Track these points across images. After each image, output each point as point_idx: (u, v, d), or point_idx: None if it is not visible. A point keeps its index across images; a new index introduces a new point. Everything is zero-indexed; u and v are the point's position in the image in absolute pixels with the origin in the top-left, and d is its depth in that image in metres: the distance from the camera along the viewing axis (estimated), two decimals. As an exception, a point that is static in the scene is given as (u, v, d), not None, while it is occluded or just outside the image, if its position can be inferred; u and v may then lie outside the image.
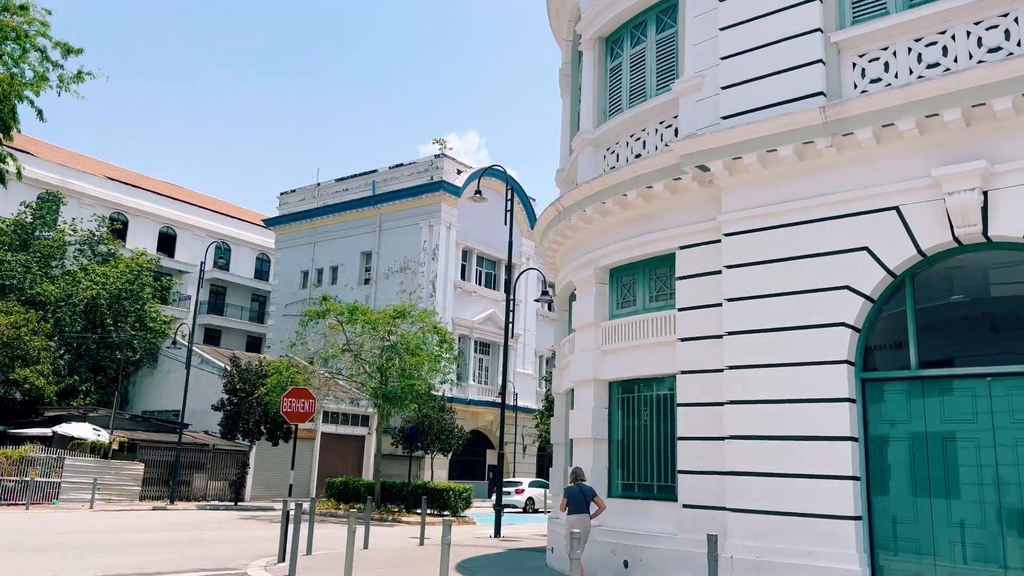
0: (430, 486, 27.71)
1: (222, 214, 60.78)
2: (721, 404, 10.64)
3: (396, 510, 26.32)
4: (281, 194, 55.72)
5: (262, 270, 61.92)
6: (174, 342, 35.42)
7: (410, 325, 27.06)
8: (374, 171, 51.39)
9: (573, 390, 13.61)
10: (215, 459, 33.99)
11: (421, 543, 17.96)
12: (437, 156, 48.14)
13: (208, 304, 57.52)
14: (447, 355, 27.63)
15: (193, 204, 58.78)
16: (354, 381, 28.86)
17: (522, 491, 36.04)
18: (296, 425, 32.78)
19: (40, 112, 23.51)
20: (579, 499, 11.38)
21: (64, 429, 30.01)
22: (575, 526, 10.95)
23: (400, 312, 26.71)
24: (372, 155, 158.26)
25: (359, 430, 41.42)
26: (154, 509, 28.17)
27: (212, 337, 56.06)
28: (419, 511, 26.90)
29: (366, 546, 16.44)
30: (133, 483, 30.41)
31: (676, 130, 12.21)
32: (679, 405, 11.20)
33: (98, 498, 28.20)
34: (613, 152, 13.42)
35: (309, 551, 14.66)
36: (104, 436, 30.13)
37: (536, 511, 34.93)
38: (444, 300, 45.78)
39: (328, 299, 27.65)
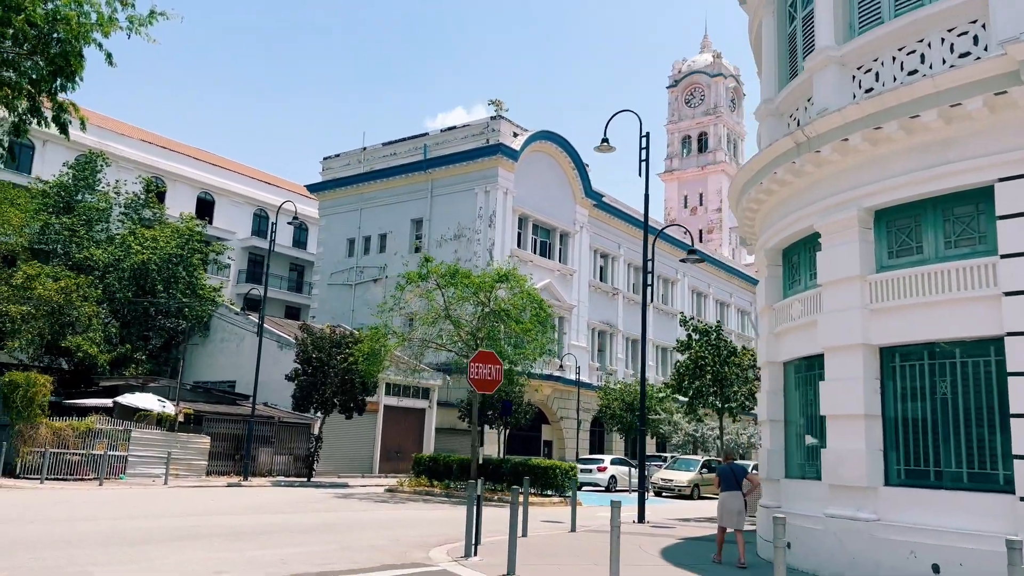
0: (533, 463, 25.53)
1: (261, 181, 58.46)
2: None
3: (500, 489, 24.19)
4: (324, 159, 53.38)
5: (300, 240, 59.65)
6: (243, 309, 33.23)
7: (507, 292, 24.85)
8: (425, 134, 49.03)
9: (819, 357, 11.38)
10: (280, 432, 32.00)
11: (573, 528, 15.92)
12: (493, 118, 45.64)
13: (246, 273, 55.51)
14: (550, 326, 25.49)
15: (231, 170, 56.48)
16: (444, 349, 26.62)
17: (604, 469, 33.95)
18: (357, 403, 31.51)
19: (109, 56, 21.17)
20: (730, 478, 12.21)
21: (127, 400, 27.95)
22: (727, 503, 12.17)
23: (503, 276, 24.47)
24: (406, 122, 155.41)
25: (420, 403, 39.45)
26: (228, 486, 26.16)
27: (251, 306, 54.01)
28: (524, 490, 25.05)
29: (524, 533, 14.29)
30: (200, 457, 28.39)
31: (975, 38, 9.94)
32: (1012, 374, 8.96)
33: (169, 472, 26.22)
34: (870, 71, 11.09)
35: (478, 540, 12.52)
36: (169, 408, 28.07)
37: (619, 490, 32.91)
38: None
39: (430, 259, 25.41)
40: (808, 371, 12.03)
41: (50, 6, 21.01)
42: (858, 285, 10.61)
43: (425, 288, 24.88)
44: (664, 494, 30.85)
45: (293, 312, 56.69)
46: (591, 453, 45.41)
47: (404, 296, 25.42)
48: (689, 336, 29.25)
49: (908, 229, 10.46)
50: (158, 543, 11.83)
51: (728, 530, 12.39)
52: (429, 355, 31.59)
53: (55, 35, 21.41)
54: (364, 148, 51.57)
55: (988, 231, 9.57)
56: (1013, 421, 8.88)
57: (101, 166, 39.06)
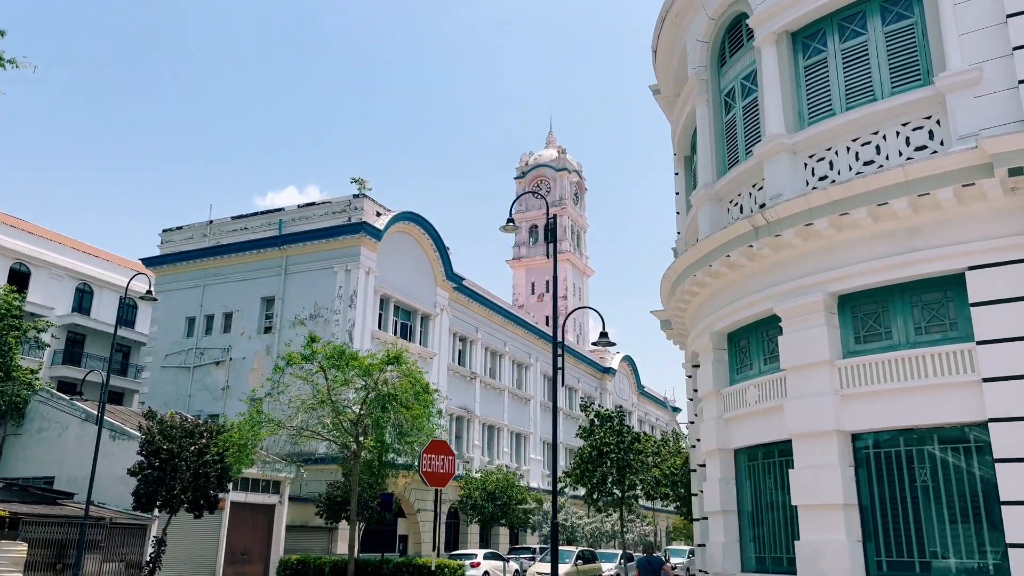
0: (418, 563, 23.69)
1: (85, 252, 53.53)
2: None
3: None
4: (164, 231, 49.79)
5: (128, 318, 54.73)
6: (79, 394, 29.46)
7: (390, 374, 23.48)
8: (280, 209, 47.04)
9: (781, 443, 11.18)
10: (112, 536, 28.09)
11: None
12: (356, 196, 44.47)
13: (64, 353, 50.08)
14: (435, 410, 24.19)
15: (50, 239, 51.35)
16: (321, 438, 24.56)
17: (477, 564, 32.31)
18: (209, 500, 28.54)
19: None
20: (647, 570, 13.42)
21: (-75, 503, 23.64)
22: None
23: (394, 357, 23.08)
24: (243, 199, 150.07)
25: (270, 498, 36.10)
26: (54, 602, 22.41)
27: (66, 391, 48.43)
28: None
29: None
30: (14, 569, 24.22)
31: (931, 132, 10.44)
32: (999, 460, 9.04)
33: (-30, 591, 22.15)
34: (823, 160, 11.41)
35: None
36: (-22, 511, 23.96)
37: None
38: (361, 351, 41.91)
39: (316, 339, 23.53)
40: (766, 458, 11.80)
41: None
42: (827, 370, 10.56)
43: (308, 370, 23.06)
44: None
45: (116, 397, 51.39)
46: (447, 547, 43.62)
47: (282, 380, 23.41)
48: (592, 422, 28.92)
49: (875, 315, 10.60)
50: None
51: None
52: (286, 444, 29.28)
53: None
54: (211, 221, 48.60)
55: (959, 317, 9.82)
56: (1004, 509, 8.92)
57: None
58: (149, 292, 27.77)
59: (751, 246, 11.58)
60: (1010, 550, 8.77)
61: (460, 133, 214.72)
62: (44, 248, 49.74)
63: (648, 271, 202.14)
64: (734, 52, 13.69)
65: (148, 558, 27.30)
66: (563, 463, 66.38)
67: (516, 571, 32.35)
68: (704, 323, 13.26)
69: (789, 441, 10.92)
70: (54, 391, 37.04)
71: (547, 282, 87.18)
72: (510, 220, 19.82)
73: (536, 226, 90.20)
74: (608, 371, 74.00)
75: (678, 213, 16.98)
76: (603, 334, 19.79)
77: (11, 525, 25.15)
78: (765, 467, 11.85)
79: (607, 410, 32.01)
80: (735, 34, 13.75)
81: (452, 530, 50.47)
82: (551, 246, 21.02)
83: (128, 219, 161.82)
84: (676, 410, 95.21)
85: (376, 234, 43.63)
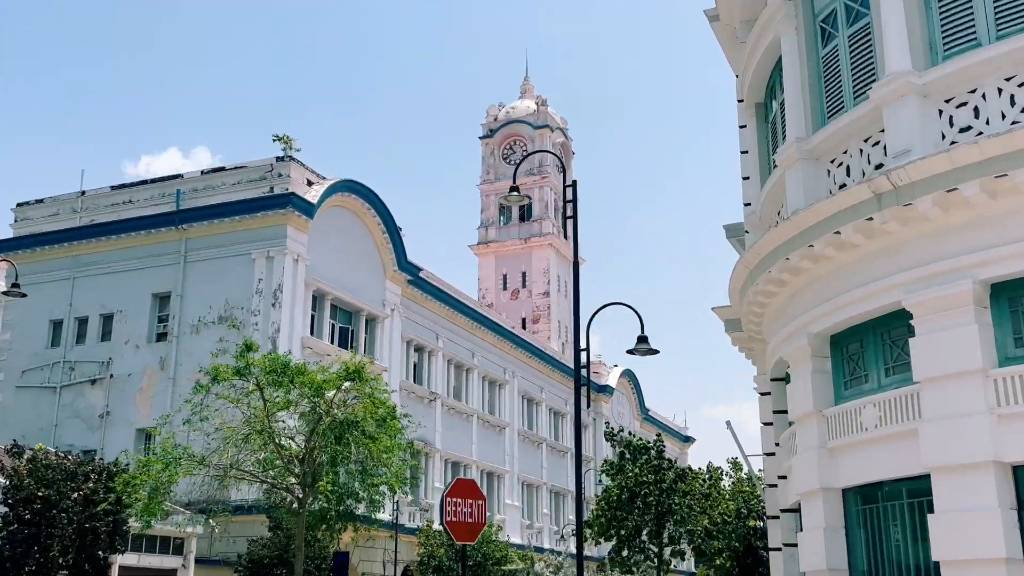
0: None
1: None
2: None
3: None
4: (18, 205, 49.05)
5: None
6: None
7: (344, 393, 23.13)
8: (177, 176, 46.67)
9: (913, 479, 11.14)
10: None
11: None
12: (280, 159, 44.00)
13: None
14: (404, 440, 23.83)
15: None
16: (255, 479, 24.15)
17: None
18: (103, 560, 27.90)
19: None
20: None
21: None
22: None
23: (354, 371, 22.74)
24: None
25: (170, 560, 35.67)
26: None
27: None
28: None
29: None
30: None
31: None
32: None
33: None
34: (966, 105, 11.34)
35: None
36: None
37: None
38: (291, 365, 41.55)
39: (253, 347, 23.08)
40: (889, 500, 11.74)
41: None
42: (980, 381, 10.50)
43: (240, 389, 22.62)
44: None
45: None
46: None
47: (204, 401, 22.96)
48: (622, 454, 28.70)
49: (1031, 310, 10.57)
50: None
51: None
52: (197, 489, 28.80)
53: None
54: (83, 192, 47.99)
55: None
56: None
57: None
58: (16, 285, 26.88)
59: (871, 219, 11.47)
60: None
61: (409, 79, 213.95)
62: None
63: (648, 256, 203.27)
64: (835, -36, 13.59)
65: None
66: (548, 510, 66.69)
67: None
68: (798, 322, 13.15)
69: (926, 476, 10.87)
70: None
71: (523, 273, 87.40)
72: (514, 188, 19.44)
73: (505, 205, 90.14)
74: (604, 390, 74.24)
75: (746, 178, 16.95)
76: (642, 339, 19.39)
77: None
78: (889, 512, 11.78)
79: (641, 440, 31.82)
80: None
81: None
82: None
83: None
84: (688, 440, 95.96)
85: (308, 209, 43.21)
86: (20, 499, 25.36)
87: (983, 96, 11.26)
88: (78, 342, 45.48)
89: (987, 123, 11.11)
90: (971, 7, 11.64)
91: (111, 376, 43.99)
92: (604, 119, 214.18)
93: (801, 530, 13.23)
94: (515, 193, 19.55)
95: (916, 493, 11.23)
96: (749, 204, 16.61)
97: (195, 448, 23.29)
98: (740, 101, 17.40)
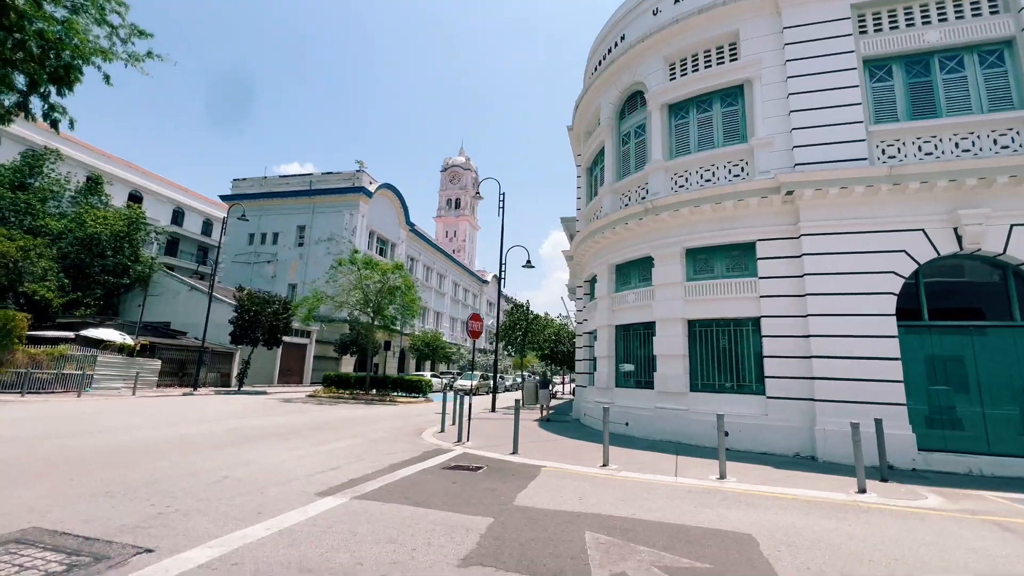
0: (406, 378, 22.81)
1: (178, 187, 45.91)
2: (789, 336, 9.50)
3: (384, 395, 21.20)
4: (234, 180, 43.66)
5: (206, 231, 48.03)
6: (199, 273, 25.40)
7: (382, 274, 21.75)
8: (310, 174, 42.37)
9: (647, 323, 11.46)
10: (213, 358, 25.27)
11: (493, 410, 14.42)
12: (358, 171, 40.87)
13: (164, 249, 43.33)
14: (418, 297, 23.01)
15: (155, 177, 43.66)
16: (353, 309, 22.72)
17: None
18: (278, 340, 26.18)
19: (107, 77, 14.95)
20: (546, 383, 14.54)
21: (92, 333, 19.98)
22: (543, 396, 14.53)
23: (398, 266, 21.55)
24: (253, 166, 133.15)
25: (303, 340, 33.84)
26: (184, 395, 19.80)
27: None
28: (397, 393, 22.37)
29: (454, 421, 12.48)
30: (152, 375, 21.28)
31: (743, 168, 10.70)
32: (764, 336, 9.76)
33: (124, 388, 19.24)
34: (682, 175, 11.46)
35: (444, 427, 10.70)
36: (128, 339, 20.68)
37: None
38: (359, 261, 39.16)
39: (357, 251, 21.40)
40: (635, 331, 12.00)
41: (59, 27, 14.16)
42: (680, 287, 10.88)
43: (350, 269, 21.14)
44: (458, 392, 29.73)
45: (200, 277, 45.45)
46: (399, 372, 42.65)
47: (336, 272, 21.36)
48: (513, 307, 28.59)
49: (705, 259, 10.93)
50: (241, 444, 8.18)
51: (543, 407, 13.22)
52: (324, 310, 27.12)
53: (63, 52, 14.53)
54: (265, 177, 43.20)
55: (750, 264, 10.34)
56: (766, 360, 9.67)
57: (54, 160, 27.74)
58: (243, 216, 24.18)
59: (642, 219, 11.55)
60: (767, 380, 9.60)
61: (413, 145, 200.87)
62: (150, 182, 42.25)
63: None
64: (631, 112, 13.29)
65: (237, 371, 24.83)
66: (450, 331, 66.21)
67: (446, 384, 32.20)
68: (603, 259, 13.07)
69: (653, 323, 11.23)
70: (168, 270, 32.16)
71: (454, 231, 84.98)
72: (477, 192, 18.59)
73: (451, 199, 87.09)
74: (484, 282, 73.10)
75: (579, 198, 16.64)
76: (528, 264, 19.30)
77: (151, 349, 22.10)
78: (632, 335, 12.00)
79: (524, 307, 31.28)
80: (631, 101, 13.35)
81: (402, 362, 49.50)
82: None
83: (198, 168, 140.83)
84: (485, 282, 76.50)
85: (368, 194, 40.38)
86: (244, 310, 23.33)
87: (689, 173, 11.39)
88: (261, 244, 41.46)
89: (689, 185, 11.28)
90: (688, 136, 11.67)
91: (276, 259, 40.48)
92: (497, 163, 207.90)
93: (596, 341, 13.26)
94: (477, 194, 18.66)
95: (645, 328, 11.60)
96: (580, 209, 16.37)
97: (328, 291, 21.88)
98: (578, 166, 17.02)
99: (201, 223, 47.66)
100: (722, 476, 6.81)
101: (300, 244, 40.66)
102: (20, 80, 15.71)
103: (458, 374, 34.84)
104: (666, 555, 3.88)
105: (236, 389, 23.67)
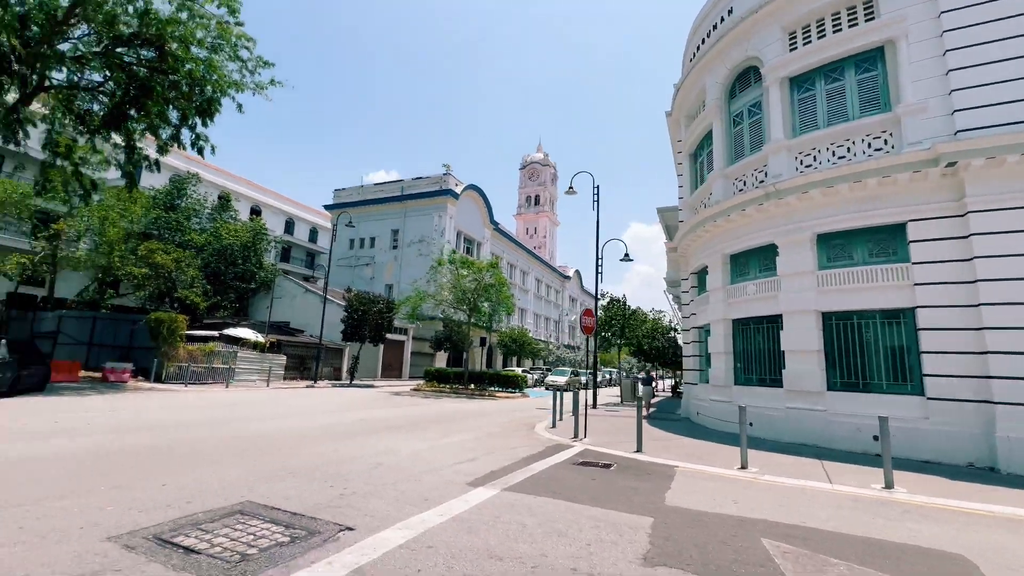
0: (503, 374, 23.44)
1: (288, 200, 50.95)
2: (954, 329, 8.28)
3: (482, 390, 21.95)
4: (336, 190, 47.63)
5: (312, 239, 52.79)
6: (313, 276, 28.24)
7: (477, 272, 22.41)
8: (401, 180, 44.91)
9: (771, 316, 10.70)
10: (326, 354, 27.76)
11: (595, 406, 14.42)
12: (445, 175, 42.55)
13: (281, 256, 48.37)
14: (511, 293, 23.51)
15: (271, 192, 48.80)
16: (451, 306, 23.78)
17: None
18: (383, 337, 28.14)
19: (240, 106, 16.84)
20: (648, 381, 14.26)
21: (231, 332, 22.91)
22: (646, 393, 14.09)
23: (493, 264, 22.22)
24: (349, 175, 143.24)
25: (401, 337, 35.93)
26: (307, 387, 22.01)
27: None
28: (494, 388, 22.98)
29: (561, 417, 12.54)
30: (280, 369, 23.88)
31: (886, 141, 9.53)
32: (921, 329, 8.64)
33: (258, 380, 21.75)
34: (809, 155, 10.48)
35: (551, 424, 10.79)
36: (260, 338, 23.37)
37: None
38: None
39: (455, 252, 22.52)
40: (756, 324, 11.27)
41: (201, 66, 16.10)
42: (811, 276, 9.98)
43: (448, 269, 22.17)
44: (550, 388, 29.94)
45: (307, 279, 50.15)
46: (487, 367, 43.68)
47: (435, 272, 22.52)
48: (609, 301, 28.37)
49: (841, 245, 9.93)
50: (376, 434, 8.89)
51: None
52: (423, 309, 28.62)
53: (206, 88, 16.50)
54: (362, 185, 46.57)
55: (899, 249, 9.21)
56: (924, 356, 8.57)
57: (195, 182, 32.10)
58: (350, 223, 26.29)
59: (762, 204, 10.76)
60: (926, 378, 8.49)
61: (494, 145, 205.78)
62: (267, 197, 47.32)
63: (577, 212, 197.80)
64: (743, 90, 12.41)
65: (348, 366, 26.99)
66: (534, 327, 66.46)
67: (536, 379, 32.48)
68: (716, 248, 12.35)
69: (778, 316, 10.43)
70: (287, 276, 35.93)
71: (534, 228, 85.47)
72: (571, 187, 18.46)
73: (530, 197, 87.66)
74: (567, 278, 72.62)
75: (680, 187, 15.92)
76: (626, 256, 18.76)
77: (277, 346, 24.63)
78: (755, 330, 11.20)
79: (620, 301, 30.66)
80: (743, 79, 12.46)
81: (490, 358, 50.78)
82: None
83: (305, 181, 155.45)
84: (567, 277, 72.19)
85: (455, 196, 41.91)
86: (353, 309, 25.32)
87: (818, 151, 10.40)
88: (360, 247, 44.82)
89: (818, 165, 10.30)
90: (814, 111, 10.66)
91: (374, 262, 43.45)
92: (575, 159, 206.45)
93: (709, 336, 12.55)
94: (572, 188, 18.52)
95: (769, 321, 10.80)
96: (682, 198, 15.57)
97: (429, 291, 23.07)
98: (678, 153, 16.28)
99: (308, 231, 52.36)
100: (888, 485, 6.13)
101: (394, 247, 43.24)
102: (174, 116, 18.09)
103: (547, 370, 34.98)
104: (868, 571, 3.55)
105: (348, 382, 25.79)
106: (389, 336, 33.05)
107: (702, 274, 13.25)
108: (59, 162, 16.70)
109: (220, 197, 37.66)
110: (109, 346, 21.04)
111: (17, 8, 14.00)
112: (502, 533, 4.06)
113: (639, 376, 14.78)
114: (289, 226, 49.69)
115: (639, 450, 8.24)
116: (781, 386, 10.14)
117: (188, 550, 3.53)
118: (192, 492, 4.76)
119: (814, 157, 10.37)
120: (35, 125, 16.16)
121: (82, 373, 18.59)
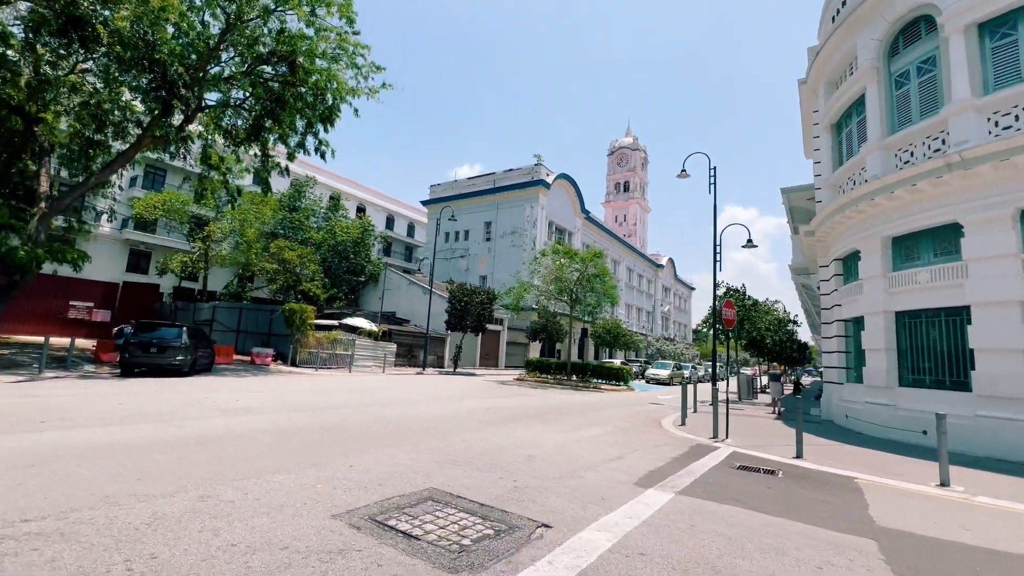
0: (606, 365, 23.03)
1: (389, 198, 54.27)
2: None
3: (586, 382, 21.74)
4: (431, 185, 49.63)
5: (410, 233, 55.78)
6: (418, 269, 29.90)
7: (581, 263, 22.02)
8: (493, 173, 45.67)
9: (948, 308, 9.19)
10: (431, 343, 29.18)
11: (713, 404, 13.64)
12: (536, 165, 42.50)
13: (380, 251, 51.80)
14: (612, 283, 22.94)
15: (373, 191, 52.30)
16: (553, 297, 23.82)
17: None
18: (483, 327, 29.07)
19: (356, 111, 17.89)
20: (777, 376, 13.01)
21: (350, 321, 24.90)
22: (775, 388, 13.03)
23: (597, 254, 21.81)
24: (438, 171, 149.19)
25: (498, 327, 36.67)
26: (417, 373, 23.31)
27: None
28: (598, 380, 22.62)
29: (695, 409, 11.88)
30: (391, 356, 25.51)
31: None
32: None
33: (374, 366, 23.39)
34: (1008, 115, 8.73)
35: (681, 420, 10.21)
36: (374, 327, 25.14)
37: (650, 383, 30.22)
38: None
39: (560, 243, 22.63)
40: (930, 318, 9.76)
41: (324, 76, 17.28)
42: (1014, 260, 8.37)
43: (550, 260, 22.18)
44: (651, 381, 28.84)
45: (407, 271, 53.15)
46: (580, 358, 43.11)
47: (538, 264, 22.67)
48: (727, 291, 26.80)
49: (1058, 223, 8.21)
50: (508, 424, 9.00)
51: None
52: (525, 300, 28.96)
53: (327, 96, 17.71)
54: (455, 180, 48.09)
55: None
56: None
57: (312, 185, 35.31)
58: (452, 217, 27.18)
59: (940, 176, 9.21)
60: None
61: (582, 130, 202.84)
62: (370, 196, 50.72)
63: (674, 197, 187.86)
64: (909, 45, 10.71)
65: (450, 355, 28.09)
66: (626, 317, 64.27)
67: (636, 372, 31.47)
68: (871, 231, 10.89)
69: (961, 308, 8.91)
70: (392, 269, 38.33)
71: (624, 215, 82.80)
72: (683, 170, 17.38)
73: (619, 183, 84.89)
74: (659, 266, 69.52)
75: (817, 163, 14.28)
76: (749, 242, 17.33)
77: (388, 334, 26.29)
78: (924, 323, 9.69)
79: (740, 291, 28.56)
80: (909, 32, 10.74)
81: (582, 349, 50.27)
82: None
83: (397, 178, 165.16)
84: (660, 266, 69.54)
85: (547, 186, 41.67)
86: (455, 300, 26.27)
87: (1018, 110, 8.63)
88: (456, 240, 46.28)
89: (1021, 126, 8.55)
90: (1016, 61, 8.87)
91: (468, 254, 44.71)
92: (668, 143, 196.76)
93: (862, 329, 11.02)
94: (684, 171, 17.41)
95: (948, 314, 9.28)
96: (820, 175, 13.98)
97: (534, 282, 23.24)
98: (815, 124, 14.57)
99: (407, 226, 55.37)
100: None
101: (487, 239, 44.12)
102: (299, 124, 19.64)
103: (646, 363, 33.76)
104: None
105: (452, 370, 26.91)
106: (488, 326, 33.93)
107: (850, 260, 11.77)
108: (211, 173, 19.07)
109: (331, 197, 41.09)
110: (253, 333, 23.91)
111: (182, 40, 16.09)
112: (707, 543, 3.82)
113: (774, 372, 13.62)
114: (389, 222, 52.88)
115: (799, 456, 7.51)
116: (967, 390, 8.69)
117: (407, 535, 3.72)
118: (378, 475, 5.09)
119: (1016, 117, 8.64)
120: (193, 141, 18.56)
121: (235, 357, 21.31)
